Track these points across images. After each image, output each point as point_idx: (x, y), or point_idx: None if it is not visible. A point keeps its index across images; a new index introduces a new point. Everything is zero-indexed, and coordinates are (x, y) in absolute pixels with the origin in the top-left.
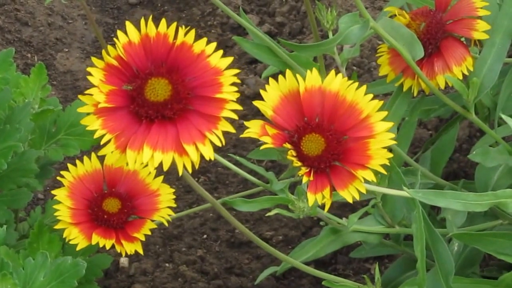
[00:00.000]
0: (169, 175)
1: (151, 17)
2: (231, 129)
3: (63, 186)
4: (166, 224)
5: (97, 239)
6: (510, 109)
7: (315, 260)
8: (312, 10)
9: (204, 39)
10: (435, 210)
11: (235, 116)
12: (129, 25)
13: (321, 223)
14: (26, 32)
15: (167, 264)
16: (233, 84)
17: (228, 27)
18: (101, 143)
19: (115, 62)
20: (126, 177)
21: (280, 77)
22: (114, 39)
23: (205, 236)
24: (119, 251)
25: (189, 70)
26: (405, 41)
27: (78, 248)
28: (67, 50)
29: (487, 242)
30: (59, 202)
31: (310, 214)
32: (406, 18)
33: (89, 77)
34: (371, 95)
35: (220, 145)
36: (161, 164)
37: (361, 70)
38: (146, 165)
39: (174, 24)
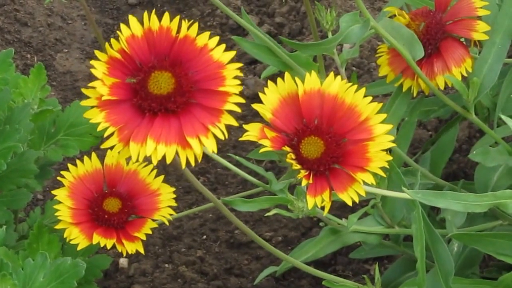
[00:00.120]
0: (169, 176)
1: (153, 11)
2: (234, 123)
3: (63, 186)
4: (167, 223)
5: (98, 238)
6: (509, 110)
7: (315, 261)
8: (312, 11)
9: (207, 33)
10: (435, 210)
11: (238, 109)
12: (132, 19)
13: (320, 224)
14: (26, 32)
15: (166, 265)
16: (236, 77)
17: (227, 27)
18: (104, 135)
19: (118, 56)
20: (127, 177)
21: (279, 80)
22: (118, 31)
23: (204, 236)
24: (120, 251)
25: (192, 63)
26: (405, 41)
27: (79, 248)
28: (66, 50)
29: (486, 242)
30: (59, 202)
31: (309, 214)
32: (405, 19)
33: (92, 70)
34: (370, 98)
35: (223, 138)
36: (160, 166)
37: (361, 71)
38: (147, 164)
39: (177, 18)
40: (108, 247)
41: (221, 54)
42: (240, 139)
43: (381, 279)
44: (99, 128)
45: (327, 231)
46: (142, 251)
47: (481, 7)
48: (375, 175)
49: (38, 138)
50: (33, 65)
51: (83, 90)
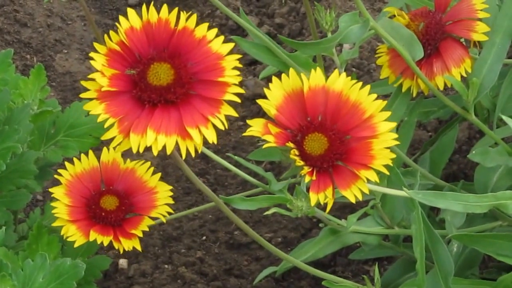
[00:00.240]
0: (169, 177)
1: (152, 3)
2: (234, 113)
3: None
4: (164, 220)
5: (94, 236)
6: (509, 111)
7: (314, 262)
8: (312, 12)
9: (205, 24)
10: (435, 211)
11: (237, 99)
12: (131, 11)
13: (320, 225)
14: (25, 33)
15: (166, 266)
16: (235, 68)
17: (227, 28)
18: (104, 126)
19: (117, 48)
20: (124, 175)
21: (284, 76)
22: (116, 24)
23: (204, 237)
24: (117, 248)
25: (191, 55)
26: (404, 42)
27: (76, 245)
28: (66, 51)
29: (486, 243)
30: (56, 200)
31: (308, 213)
32: (405, 19)
33: (91, 62)
34: (374, 95)
35: (223, 128)
36: (160, 166)
37: (361, 72)
38: (144, 162)
39: (176, 10)
40: (105, 244)
41: (220, 46)
42: (244, 134)
43: (381, 280)
44: (99, 119)
45: (327, 232)
46: (139, 248)
47: (481, 9)
48: (377, 172)
49: (37, 139)
50: (33, 66)
51: (83, 83)
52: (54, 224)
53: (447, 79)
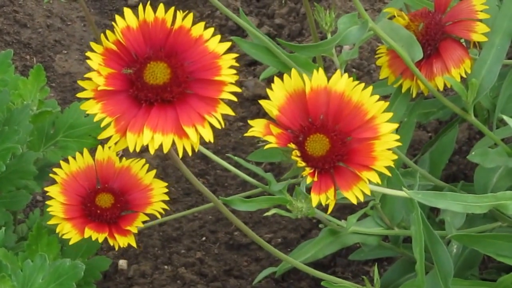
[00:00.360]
0: (168, 178)
1: (148, 2)
2: (230, 112)
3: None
4: (159, 217)
5: (89, 233)
6: (509, 111)
7: (314, 263)
8: (311, 12)
9: (202, 23)
10: (434, 212)
11: (234, 98)
12: (127, 11)
13: (320, 225)
14: (25, 33)
15: (166, 266)
16: (232, 67)
17: (227, 29)
18: (101, 126)
19: (113, 47)
20: (119, 173)
21: (286, 76)
22: (113, 23)
23: (204, 238)
24: (112, 245)
25: (187, 54)
26: (404, 43)
27: (71, 242)
28: (66, 52)
29: (486, 244)
30: (52, 199)
31: (308, 214)
32: (405, 20)
33: (88, 61)
34: (377, 96)
35: (219, 127)
36: (160, 167)
37: (361, 72)
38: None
39: (172, 9)
40: (100, 240)
41: (216, 45)
42: (245, 134)
43: (381, 281)
44: (96, 119)
45: (326, 232)
46: (134, 244)
47: (481, 10)
48: (379, 173)
49: (37, 140)
50: (32, 67)
51: (80, 82)
52: (50, 222)
53: (446, 80)
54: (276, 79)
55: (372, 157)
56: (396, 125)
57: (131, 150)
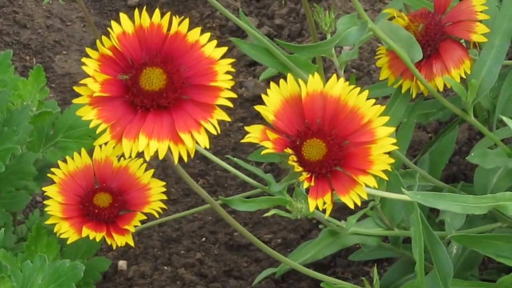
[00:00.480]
0: (168, 179)
1: (144, 8)
2: (227, 118)
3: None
4: (157, 216)
5: (87, 232)
6: (509, 112)
7: (314, 263)
8: (311, 13)
9: (198, 29)
10: (434, 213)
11: (230, 104)
12: (123, 16)
13: (320, 226)
14: (25, 34)
15: (165, 267)
16: (228, 72)
17: (227, 29)
18: (97, 132)
19: (109, 53)
20: (117, 172)
21: (282, 81)
22: (108, 29)
23: (203, 239)
24: (109, 244)
25: (183, 60)
26: (403, 43)
27: (69, 242)
28: (65, 52)
29: (486, 244)
30: (50, 198)
31: (308, 215)
32: (405, 20)
33: (83, 67)
34: (373, 100)
35: (215, 133)
36: (160, 168)
37: (361, 73)
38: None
39: (168, 14)
40: (97, 239)
41: (212, 50)
42: (242, 141)
43: (380, 281)
44: (92, 125)
45: (326, 233)
46: (132, 243)
47: (481, 11)
48: (375, 177)
49: (37, 140)
50: (32, 67)
51: (75, 88)
52: (48, 222)
53: (446, 81)
54: (272, 84)
55: (368, 161)
56: (393, 129)
57: (126, 156)
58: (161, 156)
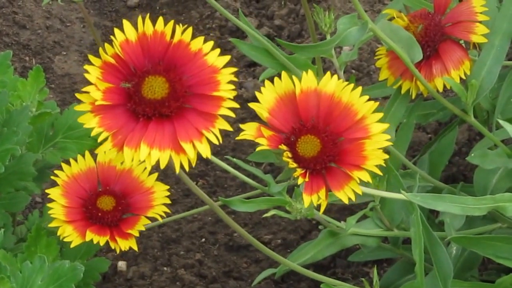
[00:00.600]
0: (168, 179)
1: (148, 15)
2: (228, 127)
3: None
4: (160, 220)
5: (91, 236)
6: (509, 112)
7: (314, 264)
8: (311, 13)
9: (201, 38)
10: (434, 213)
11: (232, 114)
12: (126, 24)
13: (319, 227)
14: (24, 35)
15: (165, 268)
16: (230, 82)
17: (226, 30)
18: (98, 141)
19: (112, 60)
20: (121, 175)
21: (276, 79)
22: (112, 37)
23: (203, 239)
24: (113, 248)
25: (186, 68)
26: (403, 44)
27: (72, 245)
28: (65, 53)
29: (485, 245)
30: (53, 201)
31: (307, 215)
32: (404, 21)
33: (86, 75)
34: (366, 97)
35: (217, 143)
36: (159, 168)
37: (360, 74)
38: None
39: (171, 23)
40: (101, 244)
41: (215, 59)
42: (237, 138)
43: (380, 282)
44: (93, 133)
45: (326, 234)
46: (135, 248)
47: (481, 12)
48: (374, 176)
49: (36, 141)
50: (32, 68)
51: (77, 95)
52: (51, 225)
53: (446, 81)
54: (266, 82)
55: (362, 157)
56: (387, 125)
57: (128, 165)
58: (162, 166)
